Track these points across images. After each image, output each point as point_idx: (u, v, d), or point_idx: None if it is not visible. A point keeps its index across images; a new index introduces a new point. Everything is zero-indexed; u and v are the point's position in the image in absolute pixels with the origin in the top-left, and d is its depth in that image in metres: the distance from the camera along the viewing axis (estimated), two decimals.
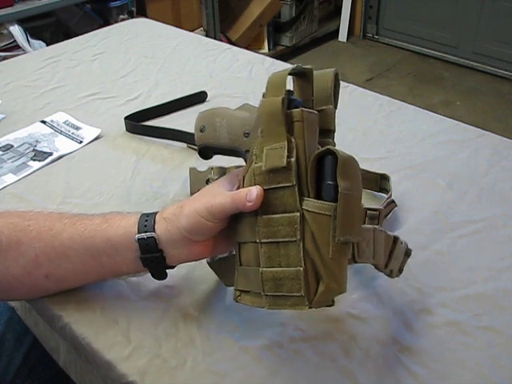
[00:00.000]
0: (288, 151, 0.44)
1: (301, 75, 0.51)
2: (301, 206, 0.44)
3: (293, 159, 0.44)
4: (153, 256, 0.50)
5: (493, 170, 0.75)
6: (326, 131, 0.50)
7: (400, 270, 0.54)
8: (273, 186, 0.45)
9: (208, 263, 0.55)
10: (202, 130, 0.54)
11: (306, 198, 0.44)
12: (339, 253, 0.43)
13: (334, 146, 0.50)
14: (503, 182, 0.73)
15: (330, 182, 0.43)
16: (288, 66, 1.08)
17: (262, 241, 0.45)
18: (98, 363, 0.51)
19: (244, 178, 0.48)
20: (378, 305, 0.55)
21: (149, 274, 0.53)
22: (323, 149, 0.44)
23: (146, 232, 0.50)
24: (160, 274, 0.53)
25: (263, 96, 0.49)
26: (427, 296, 0.56)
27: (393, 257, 0.52)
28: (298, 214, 0.44)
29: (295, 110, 0.45)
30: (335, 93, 0.53)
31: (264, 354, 0.50)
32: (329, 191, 0.43)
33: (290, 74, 0.48)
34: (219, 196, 0.48)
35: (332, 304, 0.46)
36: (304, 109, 0.45)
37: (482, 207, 0.69)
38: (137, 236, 0.50)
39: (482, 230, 0.65)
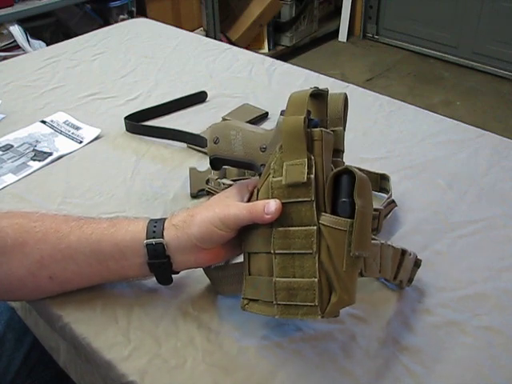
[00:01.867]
0: (308, 168, 0.46)
1: (317, 96, 0.53)
2: (318, 220, 0.45)
3: (312, 176, 0.46)
4: (160, 262, 0.51)
5: (493, 170, 0.75)
6: (336, 151, 0.52)
7: (410, 280, 0.56)
8: (291, 200, 0.46)
9: (204, 270, 0.55)
10: (215, 142, 0.55)
11: (322, 214, 0.45)
12: (352, 266, 0.45)
13: (343, 165, 0.52)
14: (503, 182, 0.73)
15: (346, 200, 0.45)
16: (288, 66, 1.08)
17: (277, 252, 0.47)
18: (97, 363, 0.51)
19: (259, 190, 0.49)
20: (378, 305, 0.55)
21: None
22: (341, 168, 0.46)
23: (154, 238, 0.50)
24: (165, 280, 0.53)
25: (281, 113, 0.50)
26: (427, 296, 0.56)
27: (401, 268, 0.54)
28: (315, 227, 0.45)
29: (315, 130, 0.47)
30: (344, 116, 0.55)
31: (264, 353, 0.50)
32: (345, 208, 0.45)
33: (310, 95, 0.50)
34: (233, 207, 0.49)
35: (337, 315, 0.47)
36: (323, 129, 0.48)
37: (481, 207, 0.69)
38: (145, 241, 0.50)
39: (482, 230, 0.65)
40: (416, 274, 0.57)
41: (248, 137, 0.53)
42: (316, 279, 0.45)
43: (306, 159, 0.46)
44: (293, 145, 0.47)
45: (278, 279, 0.46)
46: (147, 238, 0.50)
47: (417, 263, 0.56)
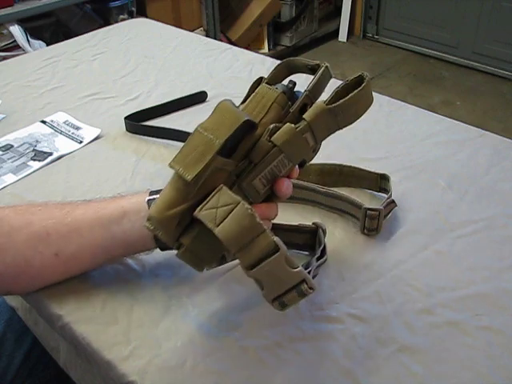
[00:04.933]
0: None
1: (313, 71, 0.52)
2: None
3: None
4: None
5: (493, 170, 0.75)
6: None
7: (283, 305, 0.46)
8: None
9: (177, 256, 0.49)
10: None
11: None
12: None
13: None
14: (503, 181, 0.73)
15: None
16: None
17: None
18: (98, 363, 0.51)
19: None
20: (377, 305, 0.55)
21: (149, 274, 0.53)
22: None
23: (157, 194, 0.51)
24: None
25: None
26: (427, 296, 0.56)
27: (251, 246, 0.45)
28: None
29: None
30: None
31: (264, 353, 0.50)
32: None
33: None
34: None
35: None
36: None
37: (481, 207, 0.69)
38: (147, 198, 0.53)
39: (482, 230, 0.65)
40: (416, 274, 0.57)
41: None
42: None
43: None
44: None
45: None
46: (149, 195, 0.53)
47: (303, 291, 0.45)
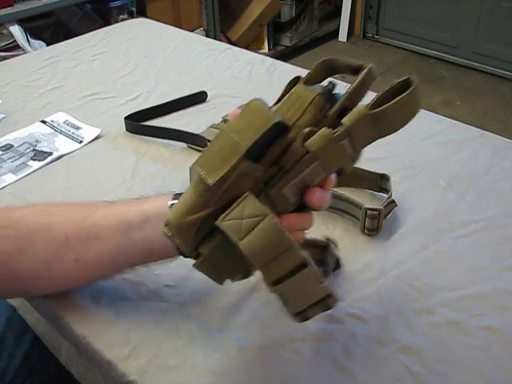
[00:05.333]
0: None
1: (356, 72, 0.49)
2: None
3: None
4: None
5: (493, 170, 0.75)
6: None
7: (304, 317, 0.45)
8: None
9: (195, 266, 0.47)
10: None
11: None
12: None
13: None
14: (503, 181, 0.73)
15: None
16: (288, 66, 1.08)
17: None
18: (98, 362, 0.51)
19: None
20: (377, 305, 0.55)
21: (150, 273, 0.53)
22: None
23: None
24: None
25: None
26: (427, 296, 0.56)
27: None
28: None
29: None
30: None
31: (264, 353, 0.50)
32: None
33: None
34: None
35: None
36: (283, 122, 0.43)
37: (482, 207, 0.69)
38: (170, 202, 0.49)
39: (482, 230, 0.65)
40: (416, 274, 0.57)
41: None
42: None
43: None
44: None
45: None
46: (172, 200, 0.49)
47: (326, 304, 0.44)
